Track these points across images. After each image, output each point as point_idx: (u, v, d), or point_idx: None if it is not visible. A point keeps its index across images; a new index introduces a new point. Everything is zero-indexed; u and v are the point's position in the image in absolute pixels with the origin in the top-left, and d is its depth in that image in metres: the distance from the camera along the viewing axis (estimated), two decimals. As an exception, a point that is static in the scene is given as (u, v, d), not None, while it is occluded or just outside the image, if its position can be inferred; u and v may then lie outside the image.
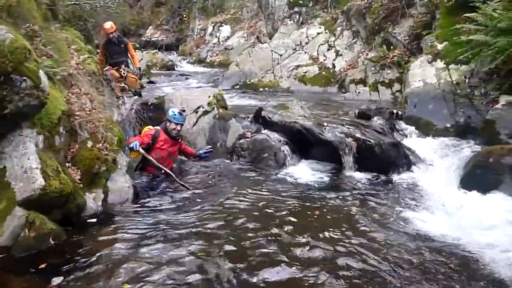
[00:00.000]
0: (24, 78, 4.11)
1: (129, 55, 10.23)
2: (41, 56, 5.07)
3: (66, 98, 5.24)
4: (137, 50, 17.27)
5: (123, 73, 9.71)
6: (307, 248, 4.27)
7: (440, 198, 5.87)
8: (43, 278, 3.73)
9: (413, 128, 8.49)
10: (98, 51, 10.18)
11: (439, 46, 9.61)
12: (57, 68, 5.21)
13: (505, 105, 7.42)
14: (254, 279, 3.73)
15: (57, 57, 5.46)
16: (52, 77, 5.05)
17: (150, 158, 6.33)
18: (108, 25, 9.95)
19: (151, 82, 13.90)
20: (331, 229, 4.77)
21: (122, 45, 10.07)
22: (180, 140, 7.09)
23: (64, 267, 3.89)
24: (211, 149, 7.69)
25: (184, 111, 7.09)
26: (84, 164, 5.05)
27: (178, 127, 6.81)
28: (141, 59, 16.52)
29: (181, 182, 6.17)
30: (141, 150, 6.30)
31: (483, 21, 7.82)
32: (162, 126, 6.92)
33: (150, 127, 7.04)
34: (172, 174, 6.28)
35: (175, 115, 6.76)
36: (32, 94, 4.17)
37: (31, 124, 4.45)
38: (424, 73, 9.41)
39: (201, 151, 7.53)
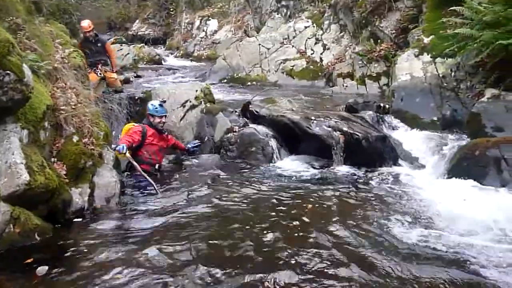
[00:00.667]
0: (8, 72, 4.04)
1: (108, 54, 9.99)
2: (25, 49, 5.00)
3: (51, 93, 5.17)
4: (123, 44, 17.13)
5: (100, 73, 9.49)
6: (297, 243, 4.28)
7: (427, 190, 5.91)
8: (28, 274, 3.69)
9: (400, 121, 8.53)
10: None
11: (426, 40, 9.65)
12: (42, 62, 5.13)
13: (490, 98, 7.49)
14: (241, 275, 3.73)
15: (42, 51, 5.38)
16: (37, 71, 4.97)
17: (134, 163, 6.09)
18: (86, 23, 9.72)
19: (138, 76, 13.78)
20: (321, 223, 4.78)
21: (99, 44, 9.85)
22: (166, 134, 7.00)
23: (50, 263, 3.85)
24: (199, 143, 7.63)
25: (164, 102, 7.08)
26: (69, 159, 5.00)
27: (163, 119, 6.75)
28: (128, 54, 16.41)
29: (153, 183, 5.88)
30: (128, 155, 6.02)
31: (469, 15, 7.86)
32: (146, 122, 6.77)
33: (134, 124, 6.88)
34: (144, 174, 6.03)
35: (156, 108, 6.67)
36: (15, 88, 4.10)
37: (15, 118, 4.38)
38: (411, 67, 9.44)
39: (189, 145, 7.45)
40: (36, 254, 3.97)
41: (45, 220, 4.45)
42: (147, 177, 5.91)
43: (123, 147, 5.92)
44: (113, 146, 5.90)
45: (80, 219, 4.81)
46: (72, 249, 4.14)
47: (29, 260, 3.85)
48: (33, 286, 3.53)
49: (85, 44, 9.59)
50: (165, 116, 6.84)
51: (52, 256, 3.98)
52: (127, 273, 3.72)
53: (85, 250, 4.11)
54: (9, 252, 3.95)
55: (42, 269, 3.69)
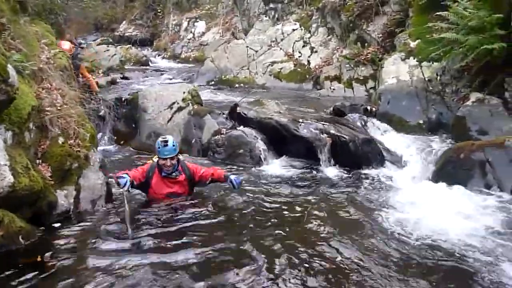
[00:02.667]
0: (-8, 72, 3.98)
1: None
2: (10, 49, 4.92)
3: (36, 93, 5.10)
4: (109, 45, 16.98)
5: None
6: (286, 245, 4.29)
7: (412, 193, 5.95)
8: (14, 277, 3.64)
9: (386, 124, 8.59)
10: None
11: (412, 44, 9.76)
12: (27, 62, 5.05)
13: (475, 102, 7.59)
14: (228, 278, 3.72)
15: (27, 51, 5.30)
16: (22, 72, 4.90)
17: (126, 209, 4.58)
18: (67, 46, 9.14)
19: (124, 77, 13.69)
20: (308, 225, 4.80)
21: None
22: (179, 175, 5.28)
23: (35, 266, 3.80)
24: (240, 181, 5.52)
25: (166, 142, 5.12)
26: (55, 160, 4.93)
27: (168, 162, 5.12)
28: (114, 55, 16.30)
29: (129, 228, 4.43)
30: (125, 192, 4.73)
31: (455, 20, 7.96)
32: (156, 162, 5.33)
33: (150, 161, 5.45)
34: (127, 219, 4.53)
35: (159, 147, 5.12)
36: (0, 88, 4.04)
37: (-1, 119, 4.32)
38: (397, 70, 9.54)
39: (234, 180, 5.34)
40: (21, 258, 3.91)
41: (30, 223, 4.38)
42: (128, 222, 4.49)
43: (126, 182, 4.72)
44: (116, 175, 4.86)
45: (66, 222, 4.75)
46: (57, 252, 4.08)
47: (13, 265, 3.80)
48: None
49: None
50: (172, 158, 5.15)
51: (37, 261, 3.93)
52: (113, 276, 3.69)
53: (71, 253, 4.07)
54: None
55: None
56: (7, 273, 3.72)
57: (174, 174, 5.20)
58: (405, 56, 9.68)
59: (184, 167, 5.30)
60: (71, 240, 4.35)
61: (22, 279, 3.63)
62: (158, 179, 5.19)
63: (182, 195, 5.30)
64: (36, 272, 3.72)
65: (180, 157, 5.40)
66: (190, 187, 5.39)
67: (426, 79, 8.89)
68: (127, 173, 4.87)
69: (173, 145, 5.12)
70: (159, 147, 5.10)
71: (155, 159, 5.27)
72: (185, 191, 5.33)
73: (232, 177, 5.32)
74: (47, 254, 3.97)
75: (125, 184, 4.69)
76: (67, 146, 5.10)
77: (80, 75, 9.34)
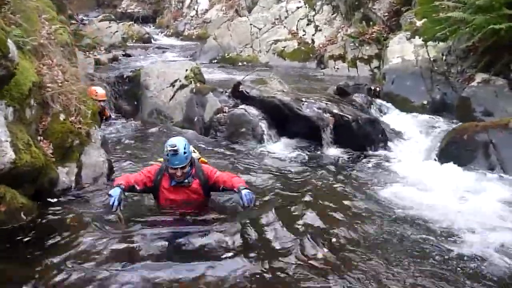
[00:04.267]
0: (-9, 47, 3.93)
1: None
2: (10, 24, 4.84)
3: (37, 69, 5.05)
4: (111, 22, 16.77)
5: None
6: (289, 225, 4.28)
7: (415, 173, 5.94)
8: (15, 255, 3.66)
9: (390, 104, 8.53)
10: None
11: (418, 23, 9.60)
12: (27, 37, 5.00)
13: (480, 83, 7.51)
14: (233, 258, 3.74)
15: (27, 26, 5.22)
16: (22, 47, 4.84)
17: (122, 222, 4.09)
18: (103, 90, 7.86)
19: (126, 54, 13.57)
20: (311, 205, 4.78)
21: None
22: (192, 181, 4.40)
23: (37, 242, 3.82)
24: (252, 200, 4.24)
25: (175, 148, 4.13)
26: (56, 137, 4.92)
27: (178, 172, 4.23)
28: (116, 31, 16.13)
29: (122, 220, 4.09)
30: (117, 211, 4.00)
31: (462, -2, 7.82)
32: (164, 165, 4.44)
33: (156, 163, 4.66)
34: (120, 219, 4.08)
35: (167, 155, 4.17)
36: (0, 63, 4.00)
37: (0, 95, 4.28)
38: (402, 50, 9.43)
39: (244, 198, 4.12)
40: (23, 235, 3.93)
41: (32, 200, 4.39)
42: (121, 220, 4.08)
43: (113, 202, 3.93)
44: (108, 190, 4.18)
45: (68, 199, 4.75)
46: (59, 229, 4.09)
47: (15, 241, 3.83)
48: (19, 266, 3.49)
49: None
50: (184, 167, 4.24)
51: (39, 237, 3.95)
52: (114, 252, 3.71)
53: (72, 230, 4.08)
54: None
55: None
56: (9, 248, 3.74)
57: (186, 181, 4.34)
58: (411, 35, 9.55)
59: (198, 171, 4.40)
60: (72, 217, 4.35)
61: (23, 254, 3.65)
62: (168, 186, 4.36)
63: (195, 202, 4.47)
64: (36, 248, 3.74)
65: (194, 155, 4.53)
66: (205, 192, 4.48)
67: (431, 59, 8.79)
68: (121, 184, 4.09)
69: (185, 152, 4.15)
70: (167, 155, 4.15)
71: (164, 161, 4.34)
72: (200, 197, 4.46)
73: (244, 192, 4.13)
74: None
75: (112, 205, 3.92)
76: (68, 123, 5.08)
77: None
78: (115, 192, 3.96)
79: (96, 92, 7.57)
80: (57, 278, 3.33)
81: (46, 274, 3.38)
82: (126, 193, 4.23)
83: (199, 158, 4.66)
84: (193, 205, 4.44)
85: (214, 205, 4.64)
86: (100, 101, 7.48)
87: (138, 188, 4.30)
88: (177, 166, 4.17)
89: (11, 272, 3.43)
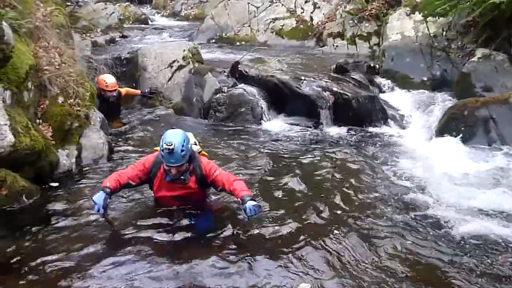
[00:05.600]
0: (-14, 30, 3.90)
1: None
2: (4, 7, 4.79)
3: (34, 52, 5.03)
4: (107, 3, 16.55)
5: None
6: (291, 206, 4.32)
7: (415, 150, 5.95)
8: (17, 236, 3.69)
9: (390, 81, 8.48)
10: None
11: (418, -2, 9.50)
12: (22, 20, 4.95)
13: (480, 58, 7.45)
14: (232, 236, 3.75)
15: (22, 8, 5.16)
16: (17, 30, 4.80)
17: (112, 225, 3.84)
18: (112, 79, 7.05)
19: (123, 36, 13.43)
20: (312, 185, 4.81)
21: (117, 101, 7.32)
22: (189, 178, 4.05)
23: (39, 225, 3.84)
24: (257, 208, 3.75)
25: (171, 146, 3.70)
26: (55, 120, 4.92)
27: (173, 171, 3.89)
28: (113, 13, 15.94)
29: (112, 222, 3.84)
30: (104, 216, 3.74)
31: (462, -28, 7.72)
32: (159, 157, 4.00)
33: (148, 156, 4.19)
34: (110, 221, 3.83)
35: (162, 151, 3.77)
36: (-5, 47, 3.98)
37: (-3, 79, 4.26)
38: (402, 26, 9.32)
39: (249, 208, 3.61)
40: (25, 217, 3.95)
41: (33, 182, 4.40)
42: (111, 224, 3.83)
43: (98, 208, 3.61)
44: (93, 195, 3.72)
45: (68, 181, 4.77)
46: (61, 211, 4.12)
47: (17, 224, 3.86)
48: (22, 248, 3.52)
49: (101, 104, 6.71)
50: (179, 166, 3.86)
51: (41, 218, 3.97)
52: (115, 234, 3.74)
53: (74, 212, 4.10)
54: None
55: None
56: (11, 230, 3.77)
57: (182, 178, 4.00)
58: (411, 11, 9.44)
59: (195, 166, 4.03)
60: (73, 199, 4.38)
61: (24, 236, 3.68)
62: (162, 181, 4.04)
63: (191, 197, 4.15)
64: (38, 230, 3.77)
65: (194, 148, 4.17)
66: (201, 188, 4.17)
67: (431, 34, 8.70)
68: (107, 187, 3.71)
69: (182, 150, 3.76)
70: (162, 151, 3.76)
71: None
72: (195, 194, 4.15)
73: (249, 205, 3.60)
74: None
75: (98, 210, 3.61)
76: (67, 106, 5.08)
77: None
78: (99, 198, 3.60)
79: (106, 82, 6.85)
80: (58, 260, 3.36)
81: (47, 255, 3.41)
82: (123, 189, 4.03)
83: (200, 151, 4.31)
84: (189, 201, 4.13)
85: (212, 200, 4.42)
86: (111, 91, 6.87)
87: (133, 183, 3.98)
88: (173, 165, 3.82)
89: (13, 253, 3.46)
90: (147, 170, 3.99)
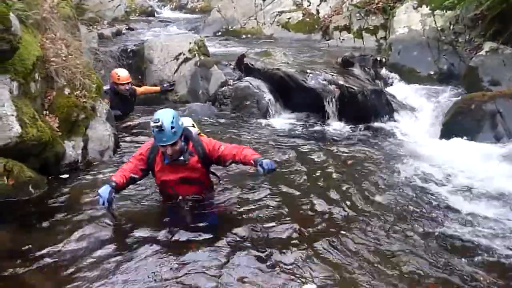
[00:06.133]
0: (-7, 21, 3.91)
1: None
2: (11, -2, 4.81)
3: (41, 44, 5.04)
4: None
5: None
6: (295, 202, 4.30)
7: (421, 144, 5.93)
8: (25, 228, 3.72)
9: (396, 75, 8.43)
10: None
11: (426, -9, 9.42)
12: (29, 11, 4.96)
13: (488, 52, 7.40)
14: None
15: (29, -1, 5.19)
16: (25, 21, 4.81)
17: (115, 219, 3.82)
18: (124, 73, 7.03)
19: (130, 28, 13.43)
20: (317, 179, 4.80)
21: (132, 98, 7.30)
22: (189, 158, 3.91)
23: (45, 215, 3.87)
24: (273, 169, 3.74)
25: (160, 126, 3.59)
26: (62, 111, 4.94)
27: (169, 150, 3.74)
28: (119, 5, 15.94)
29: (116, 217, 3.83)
30: (109, 211, 3.73)
31: (471, -35, 7.66)
32: None
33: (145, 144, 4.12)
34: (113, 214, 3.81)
35: (152, 131, 3.68)
36: (2, 38, 4.00)
37: (4, 70, 4.29)
38: (409, 20, 9.27)
39: (266, 164, 3.65)
40: (33, 208, 3.99)
41: (39, 173, 4.44)
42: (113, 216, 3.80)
43: (103, 202, 3.56)
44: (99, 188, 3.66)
45: (74, 172, 4.80)
46: (67, 202, 4.15)
47: (24, 214, 3.90)
48: (29, 239, 3.56)
49: (114, 99, 6.85)
50: (174, 144, 3.73)
51: (47, 209, 4.01)
52: (121, 225, 3.76)
53: (79, 203, 4.13)
54: (4, 206, 3.97)
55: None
56: (18, 221, 3.80)
57: (182, 159, 3.87)
58: (418, 4, 9.37)
59: (196, 146, 3.92)
60: (79, 190, 4.40)
61: (31, 227, 3.71)
62: (161, 165, 3.91)
63: (196, 180, 4.03)
64: (44, 221, 3.81)
65: (192, 130, 4.08)
66: (205, 167, 4.05)
67: (439, 28, 8.64)
68: (113, 181, 3.67)
69: (172, 127, 3.63)
70: (153, 131, 3.67)
71: None
72: (199, 175, 4.03)
73: (265, 161, 3.66)
74: None
75: (103, 204, 3.57)
76: (73, 97, 5.09)
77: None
78: (104, 192, 3.55)
79: (118, 75, 6.87)
80: (63, 252, 3.40)
81: (52, 246, 3.45)
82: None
83: (198, 133, 4.17)
84: (194, 184, 4.04)
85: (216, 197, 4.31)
86: (123, 84, 6.85)
87: (137, 176, 3.89)
88: (165, 144, 3.67)
89: (19, 244, 3.49)
90: (145, 158, 3.89)
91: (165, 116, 3.66)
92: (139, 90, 7.52)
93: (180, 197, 4.04)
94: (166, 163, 3.86)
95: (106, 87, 6.75)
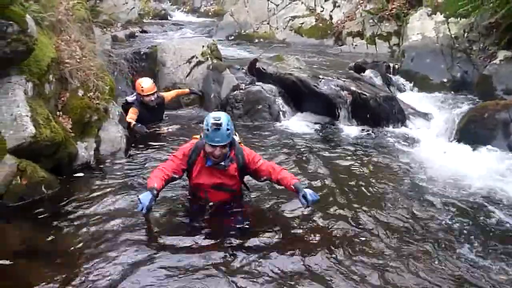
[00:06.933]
0: (10, 22, 3.97)
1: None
2: (28, 0, 4.88)
3: (55, 45, 5.10)
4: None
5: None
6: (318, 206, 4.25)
7: (433, 152, 5.88)
8: (38, 227, 3.75)
9: (409, 82, 8.40)
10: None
11: (440, -1, 9.39)
12: (45, 13, 5.03)
13: (502, 60, 7.34)
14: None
15: (45, 1, 5.25)
16: (40, 23, 4.88)
17: (148, 222, 3.85)
18: (148, 83, 6.77)
19: (143, 31, 13.54)
20: (329, 184, 4.79)
21: (160, 107, 7.09)
22: (229, 165, 3.91)
23: (58, 216, 3.90)
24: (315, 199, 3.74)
25: (220, 121, 3.67)
26: (75, 113, 4.99)
27: (217, 152, 3.75)
28: (133, 8, 16.07)
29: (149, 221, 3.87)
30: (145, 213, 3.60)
31: (486, -27, 7.61)
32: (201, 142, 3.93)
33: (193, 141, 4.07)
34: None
35: (207, 130, 3.69)
36: (19, 39, 4.04)
37: (20, 71, 4.34)
38: (423, 27, 9.24)
39: (309, 196, 3.64)
40: (45, 208, 4.02)
41: (52, 174, 4.47)
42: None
43: (142, 208, 3.48)
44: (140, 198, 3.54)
45: (87, 173, 4.84)
46: (79, 203, 4.17)
47: (37, 214, 3.92)
48: (41, 237, 3.59)
49: (141, 109, 6.66)
50: (224, 146, 3.75)
51: (60, 209, 4.04)
52: (133, 226, 3.77)
53: (91, 204, 4.15)
54: (18, 205, 4.01)
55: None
56: (31, 220, 3.83)
57: (223, 164, 3.86)
58: (432, 11, 9.34)
59: (237, 154, 3.92)
60: (91, 190, 4.43)
61: (43, 227, 3.74)
62: (202, 167, 3.90)
63: (230, 187, 4.02)
64: (56, 221, 3.82)
65: (235, 137, 4.04)
66: (240, 176, 4.06)
67: (453, 36, 8.59)
68: (154, 188, 3.59)
69: (228, 129, 3.68)
70: (207, 130, 3.66)
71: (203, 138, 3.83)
72: (234, 183, 4.03)
73: (308, 191, 3.65)
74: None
75: (141, 210, 3.49)
76: (86, 99, 5.14)
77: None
78: (145, 199, 3.47)
79: (142, 87, 6.62)
80: (75, 252, 3.42)
81: (65, 246, 3.48)
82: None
83: (239, 142, 4.15)
84: (226, 192, 4.02)
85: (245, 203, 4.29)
86: (148, 95, 6.62)
87: (177, 176, 3.90)
88: (217, 144, 3.67)
89: (33, 244, 3.53)
90: (187, 157, 3.88)
91: (223, 116, 3.74)
92: (169, 95, 7.37)
93: (211, 203, 4.01)
94: (207, 165, 3.87)
95: (131, 98, 6.73)
